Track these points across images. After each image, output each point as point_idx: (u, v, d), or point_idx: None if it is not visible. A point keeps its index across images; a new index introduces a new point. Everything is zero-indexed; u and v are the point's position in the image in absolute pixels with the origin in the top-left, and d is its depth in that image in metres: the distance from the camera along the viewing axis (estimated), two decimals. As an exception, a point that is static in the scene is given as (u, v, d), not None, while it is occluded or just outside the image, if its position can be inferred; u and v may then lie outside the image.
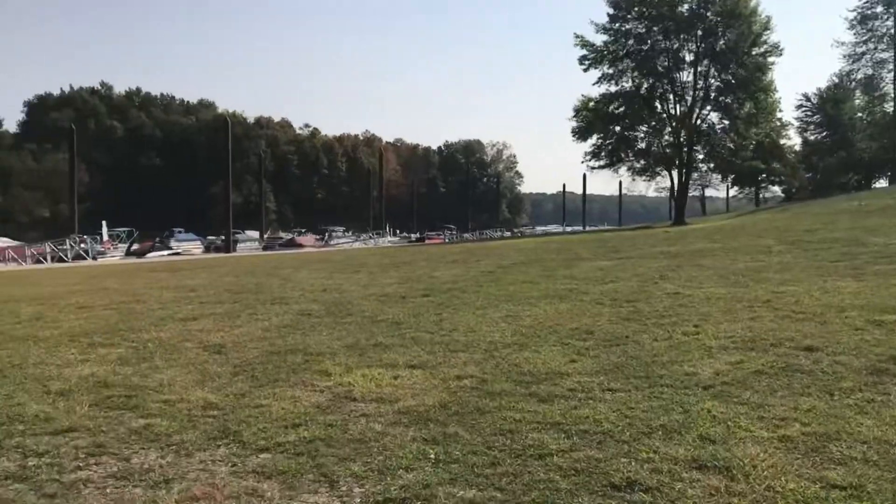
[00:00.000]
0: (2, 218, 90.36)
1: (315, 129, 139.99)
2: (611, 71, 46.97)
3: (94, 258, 39.48)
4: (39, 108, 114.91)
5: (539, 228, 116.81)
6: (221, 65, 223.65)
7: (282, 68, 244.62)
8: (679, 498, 3.52)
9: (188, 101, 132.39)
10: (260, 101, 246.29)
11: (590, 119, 48.38)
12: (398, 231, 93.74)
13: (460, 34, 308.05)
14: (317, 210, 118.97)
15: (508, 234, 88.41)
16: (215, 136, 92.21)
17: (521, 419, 4.78)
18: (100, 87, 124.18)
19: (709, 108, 47.05)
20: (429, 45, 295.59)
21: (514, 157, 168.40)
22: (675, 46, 46.16)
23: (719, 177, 69.32)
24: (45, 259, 37.07)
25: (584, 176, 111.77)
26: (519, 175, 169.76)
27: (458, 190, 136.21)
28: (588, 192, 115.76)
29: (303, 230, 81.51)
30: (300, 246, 55.62)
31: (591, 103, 48.17)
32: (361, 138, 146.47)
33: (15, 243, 44.23)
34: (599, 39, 46.73)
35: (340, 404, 5.30)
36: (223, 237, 53.60)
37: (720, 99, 46.41)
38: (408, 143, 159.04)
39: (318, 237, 69.37)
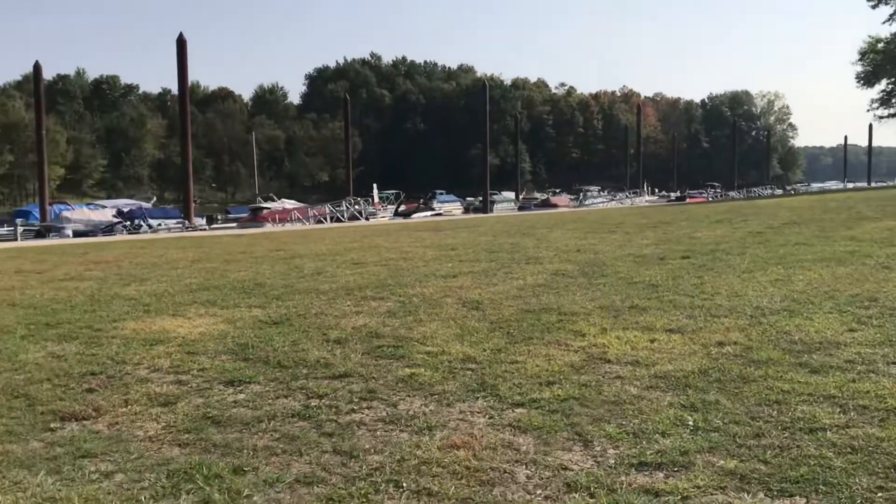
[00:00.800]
0: (289, 182, 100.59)
1: (570, 87, 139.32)
2: (906, 6, 41.55)
3: (367, 218, 42.54)
4: (318, 81, 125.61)
5: (815, 185, 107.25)
6: (480, 30, 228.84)
7: (538, 29, 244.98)
8: (982, 490, 3.10)
9: (449, 67, 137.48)
10: (517, 63, 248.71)
11: (878, 62, 43.27)
12: (656, 190, 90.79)
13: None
14: (571, 169, 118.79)
15: (780, 191, 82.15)
16: (474, 99, 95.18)
17: (789, 390, 4.46)
18: (370, 58, 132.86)
19: None
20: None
21: (787, 107, 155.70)
22: None
23: None
24: (325, 219, 40.61)
25: (870, 126, 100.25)
26: (792, 127, 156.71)
27: (722, 145, 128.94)
28: (875, 143, 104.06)
29: (557, 190, 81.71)
30: (554, 206, 55.87)
31: (881, 44, 42.99)
32: (618, 94, 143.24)
33: (299, 205, 48.97)
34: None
35: (594, 365, 5.28)
36: (481, 198, 55.27)
37: None
38: (668, 97, 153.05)
39: (572, 197, 69.16)
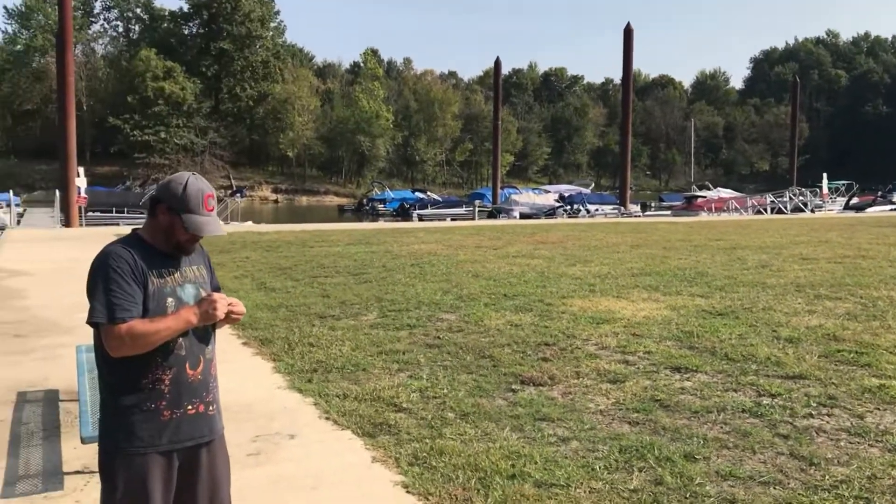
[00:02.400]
0: (724, 170, 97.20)
1: None
2: None
3: (812, 211, 39.20)
4: (763, 64, 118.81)
5: None
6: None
7: None
8: None
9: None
10: None
11: None
12: None
13: None
14: None
15: None
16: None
17: None
18: (825, 36, 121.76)
19: None
20: None
21: None
22: None
23: None
24: (765, 210, 38.35)
25: None
26: None
27: None
28: None
29: None
30: None
31: None
32: None
33: (736, 194, 46.92)
34: None
35: None
36: (960, 192, 47.21)
37: None
38: None
39: None
